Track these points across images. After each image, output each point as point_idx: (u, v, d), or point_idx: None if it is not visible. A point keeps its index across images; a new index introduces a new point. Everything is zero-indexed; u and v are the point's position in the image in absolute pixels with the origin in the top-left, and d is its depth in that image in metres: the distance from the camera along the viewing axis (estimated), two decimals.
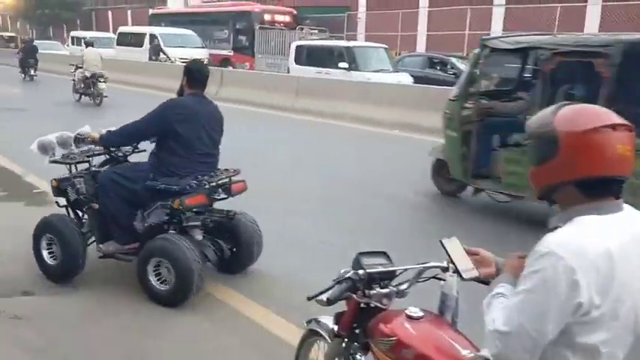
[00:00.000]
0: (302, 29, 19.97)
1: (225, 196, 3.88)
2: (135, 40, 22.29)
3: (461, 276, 1.70)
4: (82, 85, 14.04)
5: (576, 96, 4.95)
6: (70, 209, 4.06)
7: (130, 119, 3.90)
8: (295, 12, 23.12)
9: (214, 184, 3.78)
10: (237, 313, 3.59)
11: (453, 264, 1.73)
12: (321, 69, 14.68)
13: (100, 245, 3.91)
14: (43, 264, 3.95)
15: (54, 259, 3.90)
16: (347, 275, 1.87)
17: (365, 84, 12.73)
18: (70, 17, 42.14)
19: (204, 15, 24.68)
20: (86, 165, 4.10)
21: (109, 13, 43.25)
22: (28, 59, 19.52)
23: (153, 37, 21.46)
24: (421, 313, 1.85)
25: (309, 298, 1.89)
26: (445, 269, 1.91)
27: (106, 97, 13.70)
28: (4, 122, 10.42)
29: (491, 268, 1.70)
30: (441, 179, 6.33)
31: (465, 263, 1.72)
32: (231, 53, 21.85)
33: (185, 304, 3.57)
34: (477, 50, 5.90)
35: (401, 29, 22.92)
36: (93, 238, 3.97)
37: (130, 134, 3.86)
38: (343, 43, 16.36)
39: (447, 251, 1.74)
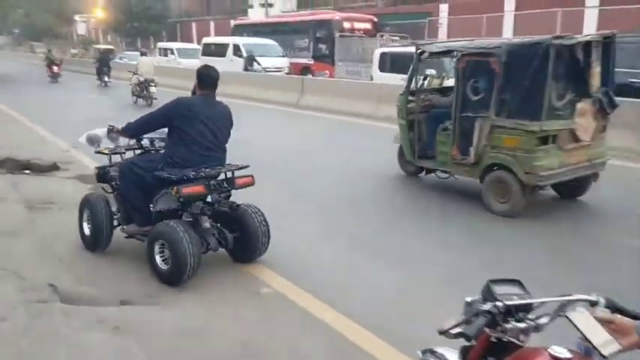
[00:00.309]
0: (382, 36, 19.70)
1: (229, 189, 4.24)
2: (218, 50, 22.74)
3: (600, 353, 1.45)
4: (138, 89, 15.99)
5: (479, 88, 6.00)
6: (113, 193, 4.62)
7: None
8: (375, 19, 22.89)
9: (214, 175, 4.15)
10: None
11: (587, 340, 1.47)
12: (406, 76, 14.29)
13: (124, 226, 4.46)
14: (82, 232, 4.61)
15: (89, 230, 4.53)
16: (486, 308, 1.65)
17: None
18: (157, 29, 44.14)
19: (285, 25, 24.94)
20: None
21: (193, 24, 44.92)
22: (103, 67, 21.91)
23: (237, 47, 21.83)
24: (569, 355, 1.57)
25: (441, 333, 1.68)
26: (594, 303, 1.65)
27: (155, 99, 15.08)
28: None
29: (633, 336, 1.44)
30: (403, 162, 7.44)
31: (600, 336, 1.44)
32: (312, 62, 21.94)
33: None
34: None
35: (485, 34, 22.16)
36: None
37: (141, 125, 4.33)
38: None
39: (576, 326, 1.49)
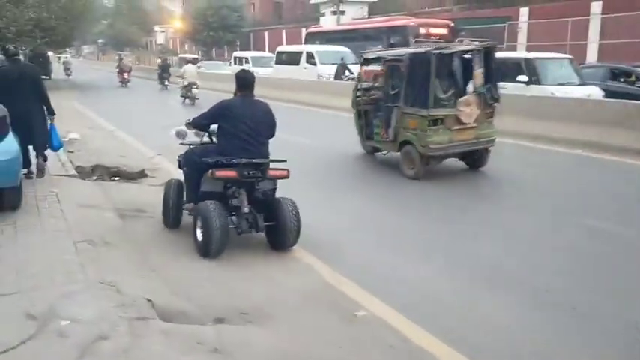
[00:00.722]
0: (462, 41, 18.96)
1: (261, 177, 4.77)
2: (292, 58, 22.86)
3: None
4: (184, 91, 19.20)
5: (395, 85, 8.01)
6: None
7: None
8: (452, 24, 22.24)
9: (247, 163, 4.69)
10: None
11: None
12: None
13: (186, 205, 5.19)
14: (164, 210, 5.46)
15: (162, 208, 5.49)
16: None
17: (544, 98, 11.59)
18: (231, 39, 45.19)
19: (359, 31, 24.71)
20: None
21: (266, 33, 45.65)
22: (164, 74, 25.82)
23: (309, 55, 21.88)
24: None
25: None
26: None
27: (197, 99, 18.45)
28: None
29: None
30: (363, 143, 9.28)
31: None
32: None
33: None
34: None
35: (570, 39, 21.05)
36: None
37: (197, 121, 5.13)
38: (522, 54, 15.07)
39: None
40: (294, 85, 19.84)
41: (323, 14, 38.10)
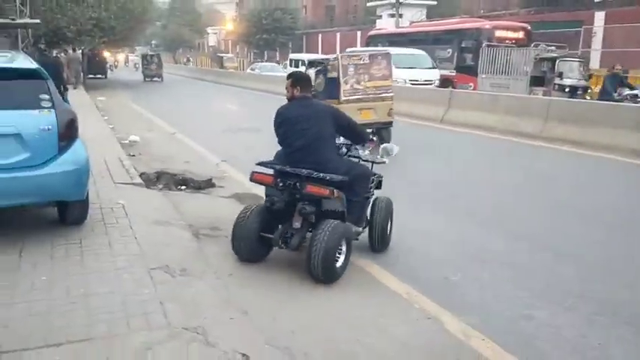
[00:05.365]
0: (537, 45, 17.71)
1: (299, 190, 4.19)
2: None
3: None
4: None
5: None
6: None
7: None
8: (529, 27, 20.83)
9: (289, 172, 4.29)
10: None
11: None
12: None
13: None
14: None
15: None
16: None
17: None
18: (284, 41, 44.88)
19: (426, 34, 23.61)
20: None
21: (319, 36, 45.13)
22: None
23: None
24: None
25: None
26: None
27: None
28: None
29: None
30: None
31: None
32: (454, 73, 20.48)
33: None
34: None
35: None
36: None
37: None
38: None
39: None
40: None
41: (380, 17, 37.20)
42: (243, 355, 3.02)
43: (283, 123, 4.46)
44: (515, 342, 3.42)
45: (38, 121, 4.33)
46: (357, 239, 4.61)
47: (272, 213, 4.37)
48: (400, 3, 32.98)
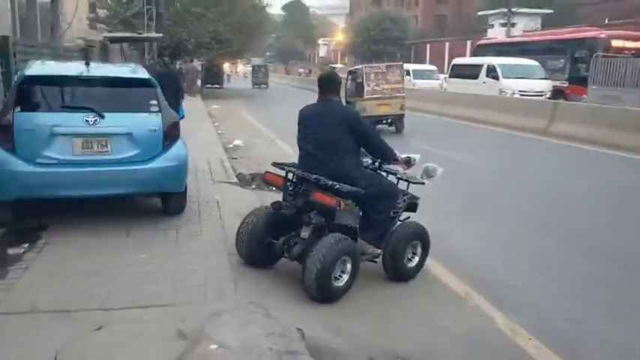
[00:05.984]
0: None
1: (306, 196, 3.98)
2: (470, 72, 21.26)
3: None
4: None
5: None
6: None
7: None
8: None
9: (302, 176, 4.06)
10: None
11: None
12: None
13: None
14: None
15: None
16: None
17: None
18: (392, 51, 45.15)
19: (536, 44, 22.84)
20: None
21: (427, 46, 44.87)
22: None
23: (491, 68, 20.01)
24: None
25: None
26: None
27: None
28: None
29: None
30: None
31: None
32: (565, 84, 19.61)
33: None
34: None
35: None
36: None
37: None
38: None
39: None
40: (467, 100, 17.29)
41: (492, 26, 36.33)
42: (299, 329, 3.43)
43: (300, 123, 4.32)
44: (561, 343, 3.53)
45: (147, 122, 5.07)
46: (374, 261, 4.32)
47: (280, 218, 4.16)
48: (512, 12, 32.01)
